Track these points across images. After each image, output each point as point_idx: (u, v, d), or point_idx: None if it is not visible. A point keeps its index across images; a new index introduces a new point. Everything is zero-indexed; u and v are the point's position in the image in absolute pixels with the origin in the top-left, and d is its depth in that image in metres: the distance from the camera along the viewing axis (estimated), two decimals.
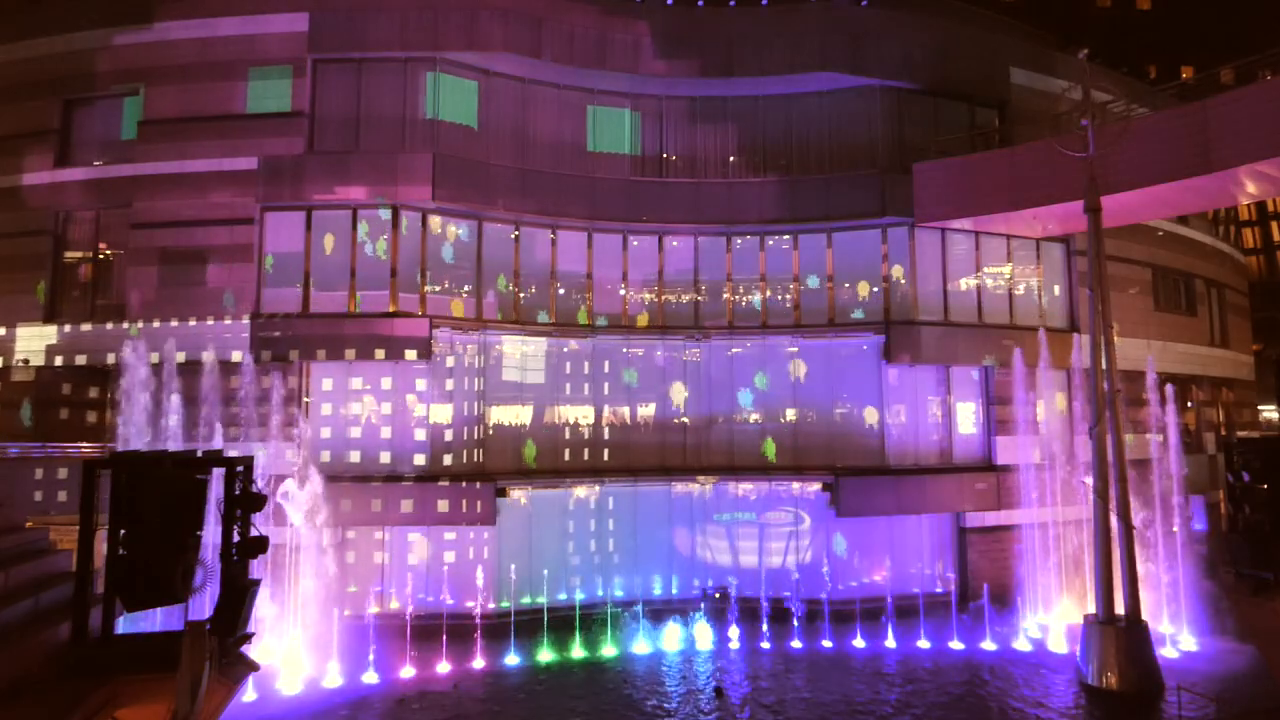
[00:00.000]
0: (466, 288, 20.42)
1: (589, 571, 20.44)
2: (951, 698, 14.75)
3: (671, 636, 17.79)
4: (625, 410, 21.59)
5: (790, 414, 21.72)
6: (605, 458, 21.16)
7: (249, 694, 14.07)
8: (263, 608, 15.43)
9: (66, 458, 17.40)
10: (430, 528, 18.99)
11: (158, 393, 17.28)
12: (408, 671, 15.80)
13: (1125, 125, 17.46)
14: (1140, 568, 16.34)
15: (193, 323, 18.82)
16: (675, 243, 22.19)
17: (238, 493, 8.93)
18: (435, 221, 20.04)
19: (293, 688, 14.95)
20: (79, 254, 20.43)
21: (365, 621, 16.78)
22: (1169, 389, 19.60)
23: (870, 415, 21.50)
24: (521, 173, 20.72)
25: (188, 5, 20.02)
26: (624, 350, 21.76)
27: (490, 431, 20.30)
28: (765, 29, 21.73)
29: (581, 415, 21.31)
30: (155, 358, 17.79)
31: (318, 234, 19.56)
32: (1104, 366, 16.33)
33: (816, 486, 20.79)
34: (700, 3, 22.89)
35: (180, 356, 17.99)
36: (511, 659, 16.66)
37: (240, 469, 9.03)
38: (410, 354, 18.76)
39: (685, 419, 21.74)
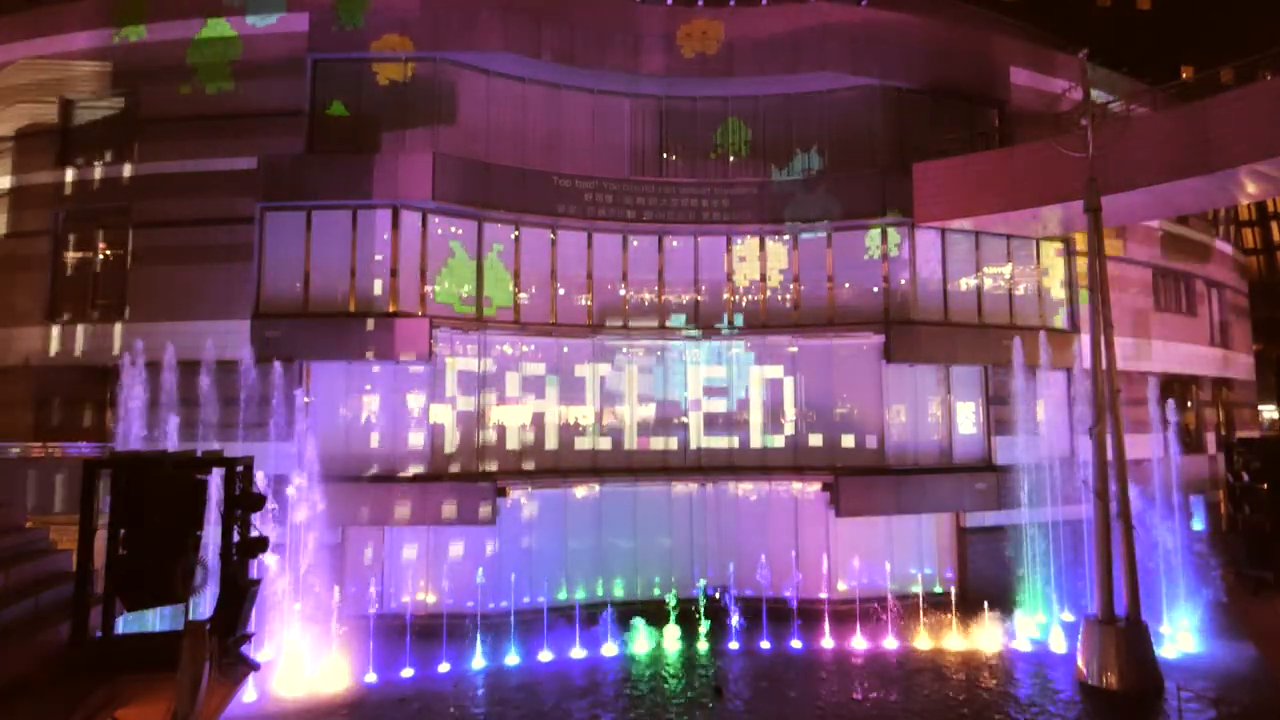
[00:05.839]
0: (466, 288, 20.42)
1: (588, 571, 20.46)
2: (951, 697, 14.75)
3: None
4: (625, 410, 21.58)
5: (790, 414, 21.71)
6: (605, 458, 21.16)
7: (249, 694, 14.07)
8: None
9: (66, 457, 17.37)
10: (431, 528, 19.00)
11: (157, 393, 17.23)
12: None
13: (1125, 125, 17.45)
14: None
15: (193, 323, 18.79)
16: (675, 243, 22.18)
17: (238, 493, 8.94)
18: (435, 221, 20.05)
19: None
20: (79, 254, 20.43)
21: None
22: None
23: (870, 415, 21.49)
24: (521, 173, 20.72)
25: (188, 4, 20.02)
26: (624, 350, 21.75)
27: (490, 431, 20.31)
28: (765, 29, 21.72)
29: (581, 415, 21.30)
30: (155, 358, 17.73)
31: (318, 234, 19.55)
32: (1104, 367, 16.31)
33: (817, 486, 20.81)
34: (700, 3, 22.88)
35: (180, 357, 17.94)
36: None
37: (240, 469, 9.04)
38: (410, 354, 18.75)
39: (685, 419, 21.73)
